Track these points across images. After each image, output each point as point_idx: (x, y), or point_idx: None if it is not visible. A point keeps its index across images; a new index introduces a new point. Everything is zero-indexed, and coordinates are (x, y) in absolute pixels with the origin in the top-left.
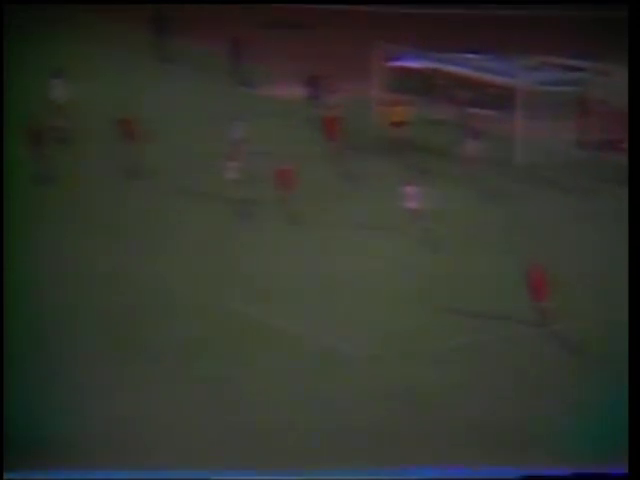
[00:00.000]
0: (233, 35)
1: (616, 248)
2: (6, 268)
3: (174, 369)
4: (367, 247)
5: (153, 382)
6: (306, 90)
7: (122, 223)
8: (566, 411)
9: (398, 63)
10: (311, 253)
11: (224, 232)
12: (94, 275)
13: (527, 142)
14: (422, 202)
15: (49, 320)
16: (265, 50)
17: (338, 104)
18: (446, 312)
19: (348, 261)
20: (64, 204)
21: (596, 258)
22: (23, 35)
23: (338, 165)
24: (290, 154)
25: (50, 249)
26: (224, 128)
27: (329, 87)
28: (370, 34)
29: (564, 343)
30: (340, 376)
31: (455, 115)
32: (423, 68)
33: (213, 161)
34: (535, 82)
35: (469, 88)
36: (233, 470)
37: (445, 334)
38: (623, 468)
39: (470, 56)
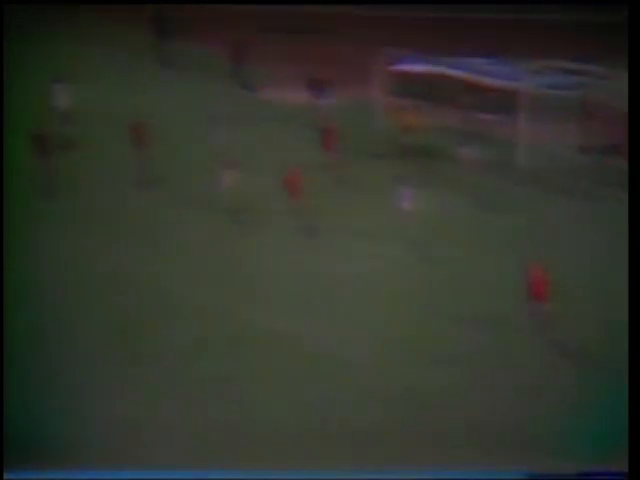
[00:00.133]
0: (235, 38)
1: (620, 252)
2: (9, 274)
3: (175, 369)
4: (367, 253)
5: (153, 382)
6: (308, 94)
7: (127, 229)
8: (568, 413)
9: (401, 67)
10: (312, 260)
11: (226, 238)
12: (98, 279)
13: (530, 146)
14: (423, 207)
15: (50, 321)
16: (267, 53)
17: (339, 108)
18: (448, 317)
19: (348, 267)
20: (68, 211)
21: (599, 262)
22: (23, 36)
23: (339, 171)
24: (292, 160)
25: (52, 252)
26: (224, 132)
27: (331, 91)
28: (373, 38)
29: (565, 347)
30: (340, 378)
31: (458, 119)
32: (426, 72)
33: (213, 167)
34: (538, 86)
35: (472, 92)
36: (233, 470)
37: (446, 338)
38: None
39: (473, 60)
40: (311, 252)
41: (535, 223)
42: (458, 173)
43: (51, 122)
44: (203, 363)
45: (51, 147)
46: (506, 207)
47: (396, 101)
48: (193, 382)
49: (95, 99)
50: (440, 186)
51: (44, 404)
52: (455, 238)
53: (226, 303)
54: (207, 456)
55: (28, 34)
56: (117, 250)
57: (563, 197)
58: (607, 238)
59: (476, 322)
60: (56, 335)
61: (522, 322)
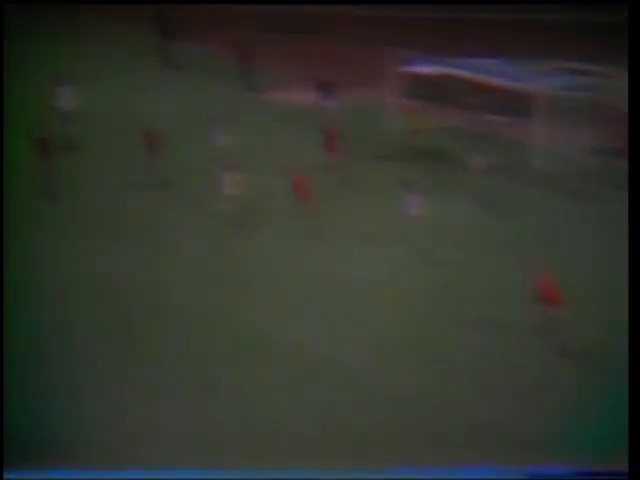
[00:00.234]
0: (239, 38)
1: None
2: (9, 277)
3: (175, 370)
4: (373, 257)
5: (154, 382)
6: (313, 96)
7: (129, 232)
8: (572, 414)
9: (409, 68)
10: (317, 263)
11: (231, 241)
12: (99, 281)
13: (541, 149)
14: (430, 211)
15: (52, 322)
16: (272, 54)
17: (345, 110)
18: (453, 320)
19: (354, 271)
20: (69, 213)
21: (613, 266)
22: (23, 36)
23: (344, 174)
24: (297, 162)
25: (53, 254)
26: (227, 134)
27: (337, 93)
28: (380, 39)
29: (573, 351)
30: (343, 380)
31: (467, 121)
32: (434, 73)
33: (215, 169)
34: (549, 87)
35: (481, 94)
36: (233, 470)
37: (450, 342)
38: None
39: (482, 61)
40: (316, 255)
41: (546, 226)
42: (466, 176)
43: (52, 123)
44: (204, 364)
45: (52, 148)
46: (516, 211)
47: (404, 103)
48: (194, 383)
49: (97, 100)
50: (447, 189)
51: (44, 404)
52: (462, 242)
53: (234, 307)
54: (207, 456)
55: (28, 34)
56: (120, 253)
57: (574, 200)
58: (621, 241)
59: (484, 326)
60: (57, 335)
61: (533, 326)
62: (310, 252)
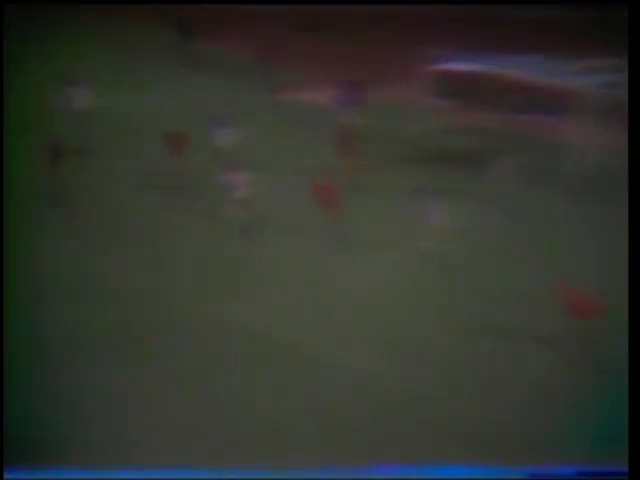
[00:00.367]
0: (260, 37)
1: None
2: (11, 281)
3: (176, 370)
4: (389, 266)
5: (154, 382)
6: (338, 96)
7: (140, 239)
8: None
9: (439, 66)
10: (335, 273)
11: (248, 247)
12: (109, 288)
13: (577, 150)
14: (454, 218)
15: (60, 324)
16: (294, 54)
17: (370, 111)
18: (477, 332)
19: (367, 279)
20: (75, 218)
21: None
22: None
23: (368, 177)
24: (319, 166)
25: (53, 256)
26: (246, 136)
27: (364, 93)
28: (410, 35)
29: (605, 364)
30: (356, 387)
31: (500, 121)
32: (466, 71)
33: (233, 171)
34: (589, 85)
35: (516, 92)
36: (233, 470)
37: (474, 354)
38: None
39: (517, 58)
40: (334, 264)
41: (578, 234)
42: (495, 180)
43: (62, 125)
44: (211, 373)
45: (63, 151)
46: (546, 218)
47: (433, 102)
48: (195, 383)
49: (111, 101)
50: (475, 195)
51: (44, 404)
52: (488, 251)
53: (255, 318)
54: (207, 456)
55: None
56: (135, 258)
57: (609, 205)
58: None
59: (511, 338)
60: (58, 335)
61: (561, 338)
62: (329, 261)
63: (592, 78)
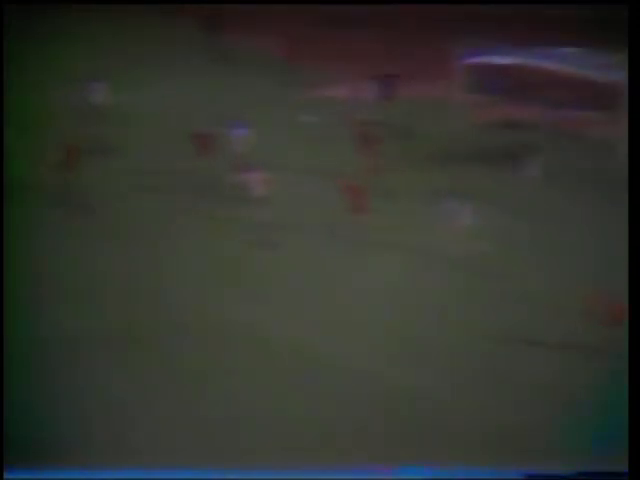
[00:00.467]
0: (290, 33)
1: None
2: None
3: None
4: (416, 270)
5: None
6: (370, 93)
7: (153, 240)
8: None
9: (475, 60)
10: (348, 274)
11: (275, 251)
12: (140, 291)
13: (623, 148)
14: (484, 221)
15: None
16: (325, 49)
17: (403, 108)
18: (505, 339)
19: (388, 282)
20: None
21: None
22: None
23: (394, 178)
24: (348, 166)
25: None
26: (274, 134)
27: (396, 89)
28: (442, 28)
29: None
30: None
31: (540, 118)
32: (506, 65)
33: (257, 171)
34: None
35: (558, 86)
36: (233, 470)
37: (504, 360)
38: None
39: (560, 50)
40: (361, 269)
41: (613, 238)
42: (535, 180)
43: (81, 124)
44: (239, 377)
45: (80, 152)
46: (589, 220)
47: (472, 98)
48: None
49: (136, 99)
50: (508, 197)
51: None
52: (519, 256)
53: (275, 321)
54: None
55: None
56: (143, 262)
57: None
58: None
59: (538, 345)
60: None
61: (590, 346)
62: (354, 264)
63: None
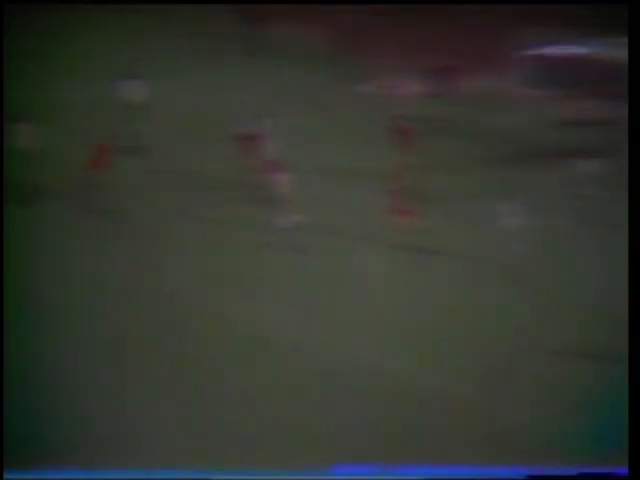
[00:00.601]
0: (337, 23)
1: None
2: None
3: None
4: (450, 276)
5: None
6: (424, 86)
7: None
8: None
9: (535, 51)
10: (390, 282)
11: (312, 257)
12: (161, 299)
13: None
14: (536, 223)
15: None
16: (373, 41)
17: (456, 103)
18: (549, 349)
19: (436, 293)
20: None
21: None
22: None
23: (439, 177)
24: (395, 165)
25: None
26: (316, 133)
27: (454, 82)
28: (501, 17)
29: None
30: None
31: (611, 113)
32: (567, 56)
33: (299, 170)
34: None
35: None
36: (233, 470)
37: (548, 372)
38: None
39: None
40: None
41: None
42: (598, 180)
43: (118, 122)
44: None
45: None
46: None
47: (528, 92)
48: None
49: (172, 95)
50: (564, 198)
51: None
52: (568, 261)
53: (312, 334)
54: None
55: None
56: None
57: None
58: None
59: (585, 355)
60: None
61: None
62: (397, 274)
63: None
